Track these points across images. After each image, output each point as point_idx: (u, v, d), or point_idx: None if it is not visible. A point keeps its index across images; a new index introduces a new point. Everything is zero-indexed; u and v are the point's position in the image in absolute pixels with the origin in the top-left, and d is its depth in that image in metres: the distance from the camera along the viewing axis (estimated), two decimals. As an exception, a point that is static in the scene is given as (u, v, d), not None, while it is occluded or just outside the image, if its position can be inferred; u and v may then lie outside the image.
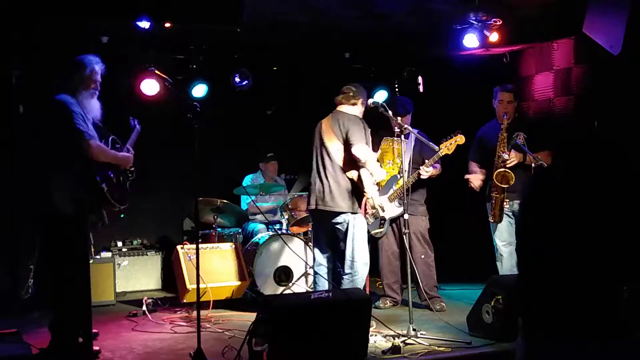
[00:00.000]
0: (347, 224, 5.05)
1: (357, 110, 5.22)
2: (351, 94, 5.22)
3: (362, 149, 4.95)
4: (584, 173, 2.20)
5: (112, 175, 4.42)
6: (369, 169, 5.01)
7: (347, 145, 5.02)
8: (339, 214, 5.05)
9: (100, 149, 4.32)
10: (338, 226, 5.10)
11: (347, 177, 5.07)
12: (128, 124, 4.74)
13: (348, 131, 5.00)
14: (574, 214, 2.17)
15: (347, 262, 5.05)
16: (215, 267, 5.95)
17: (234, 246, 6.23)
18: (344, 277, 5.05)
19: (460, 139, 5.50)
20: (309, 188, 5.29)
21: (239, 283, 5.98)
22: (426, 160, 5.62)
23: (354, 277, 5.02)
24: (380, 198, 5.71)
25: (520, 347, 2.26)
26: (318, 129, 5.24)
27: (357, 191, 5.10)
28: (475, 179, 5.76)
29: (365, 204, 5.21)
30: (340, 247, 5.13)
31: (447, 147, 5.51)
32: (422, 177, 5.62)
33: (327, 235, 5.27)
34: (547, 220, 2.22)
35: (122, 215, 4.56)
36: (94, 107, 4.39)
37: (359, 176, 5.05)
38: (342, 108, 5.23)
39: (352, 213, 5.05)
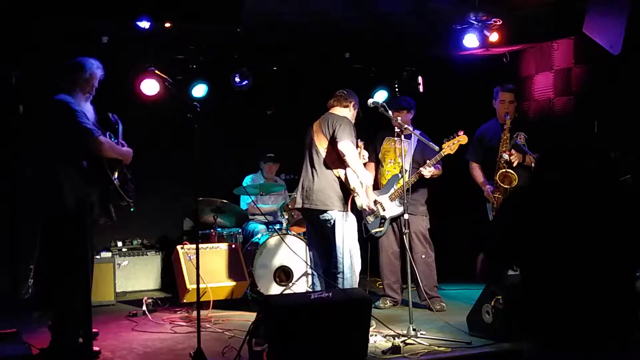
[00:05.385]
0: (334, 221, 5.05)
1: (349, 113, 5.25)
2: (343, 96, 5.26)
3: (348, 146, 4.95)
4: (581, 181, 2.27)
5: (125, 170, 4.47)
6: (353, 168, 5.01)
7: (333, 141, 5.04)
8: (324, 211, 5.07)
9: (109, 144, 4.34)
10: (326, 224, 5.11)
11: (335, 176, 5.08)
12: (109, 120, 4.69)
13: (336, 128, 5.03)
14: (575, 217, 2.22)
15: (335, 261, 5.06)
16: (215, 267, 5.94)
17: (234, 246, 6.23)
18: (337, 275, 5.06)
19: (463, 139, 5.51)
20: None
21: (239, 283, 5.98)
22: (427, 160, 5.62)
23: (345, 276, 5.01)
24: (381, 197, 5.72)
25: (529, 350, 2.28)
26: (309, 131, 5.28)
27: (345, 190, 5.10)
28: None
29: (353, 202, 5.18)
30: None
31: (449, 147, 5.51)
32: (424, 176, 5.62)
33: (317, 234, 5.30)
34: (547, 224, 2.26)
35: (132, 209, 4.57)
36: (87, 110, 4.38)
37: (346, 175, 5.06)
38: (334, 110, 5.28)
39: (339, 211, 5.06)
